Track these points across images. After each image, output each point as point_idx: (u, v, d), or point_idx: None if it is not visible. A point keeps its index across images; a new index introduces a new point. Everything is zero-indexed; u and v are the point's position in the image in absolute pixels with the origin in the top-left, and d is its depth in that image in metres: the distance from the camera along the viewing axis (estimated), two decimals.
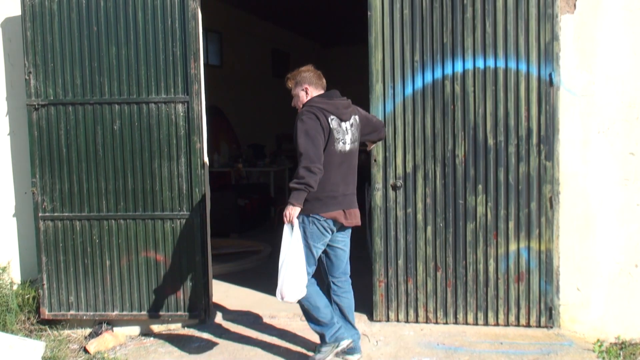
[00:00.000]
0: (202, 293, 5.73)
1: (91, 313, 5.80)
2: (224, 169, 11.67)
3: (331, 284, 4.87)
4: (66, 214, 5.77)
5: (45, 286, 5.85)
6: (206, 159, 5.77)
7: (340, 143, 4.57)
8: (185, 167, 5.63)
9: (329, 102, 4.60)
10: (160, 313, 5.73)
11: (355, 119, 4.72)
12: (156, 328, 5.89)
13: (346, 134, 4.60)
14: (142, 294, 5.76)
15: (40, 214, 5.78)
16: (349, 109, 4.67)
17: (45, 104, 5.72)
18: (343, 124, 4.60)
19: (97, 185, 5.70)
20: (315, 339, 4.96)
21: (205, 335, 5.54)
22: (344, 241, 4.83)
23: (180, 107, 5.60)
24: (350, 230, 4.84)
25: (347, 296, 4.91)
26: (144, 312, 5.77)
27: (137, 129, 5.64)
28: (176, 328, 5.80)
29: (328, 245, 4.74)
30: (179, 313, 5.76)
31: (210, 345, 5.35)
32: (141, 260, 5.73)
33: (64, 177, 5.76)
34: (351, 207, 4.68)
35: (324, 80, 4.80)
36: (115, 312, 5.79)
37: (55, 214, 5.78)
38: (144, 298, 5.76)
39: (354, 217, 4.70)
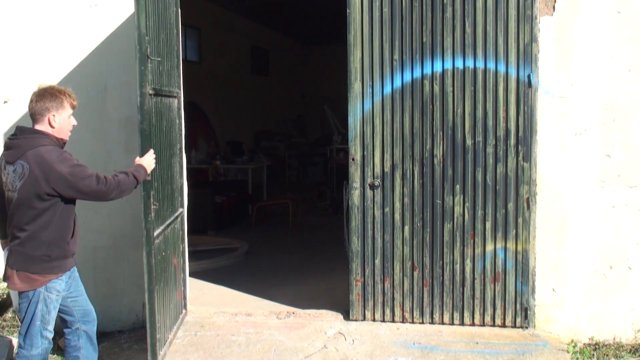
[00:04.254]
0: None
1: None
2: (201, 165, 11.62)
3: None
4: None
5: None
6: (184, 156, 5.71)
7: (7, 190, 3.99)
8: None
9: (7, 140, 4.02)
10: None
11: (22, 165, 3.87)
12: (130, 325, 5.81)
13: (15, 181, 3.89)
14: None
15: None
16: (18, 150, 3.90)
17: None
18: (9, 166, 3.93)
19: None
20: (294, 344, 4.91)
21: (180, 333, 5.48)
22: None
23: None
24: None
25: None
26: None
27: None
28: None
29: None
30: None
31: (185, 342, 5.30)
32: None
33: None
34: (7, 265, 4.02)
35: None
36: None
37: None
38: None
39: (9, 281, 3.98)
